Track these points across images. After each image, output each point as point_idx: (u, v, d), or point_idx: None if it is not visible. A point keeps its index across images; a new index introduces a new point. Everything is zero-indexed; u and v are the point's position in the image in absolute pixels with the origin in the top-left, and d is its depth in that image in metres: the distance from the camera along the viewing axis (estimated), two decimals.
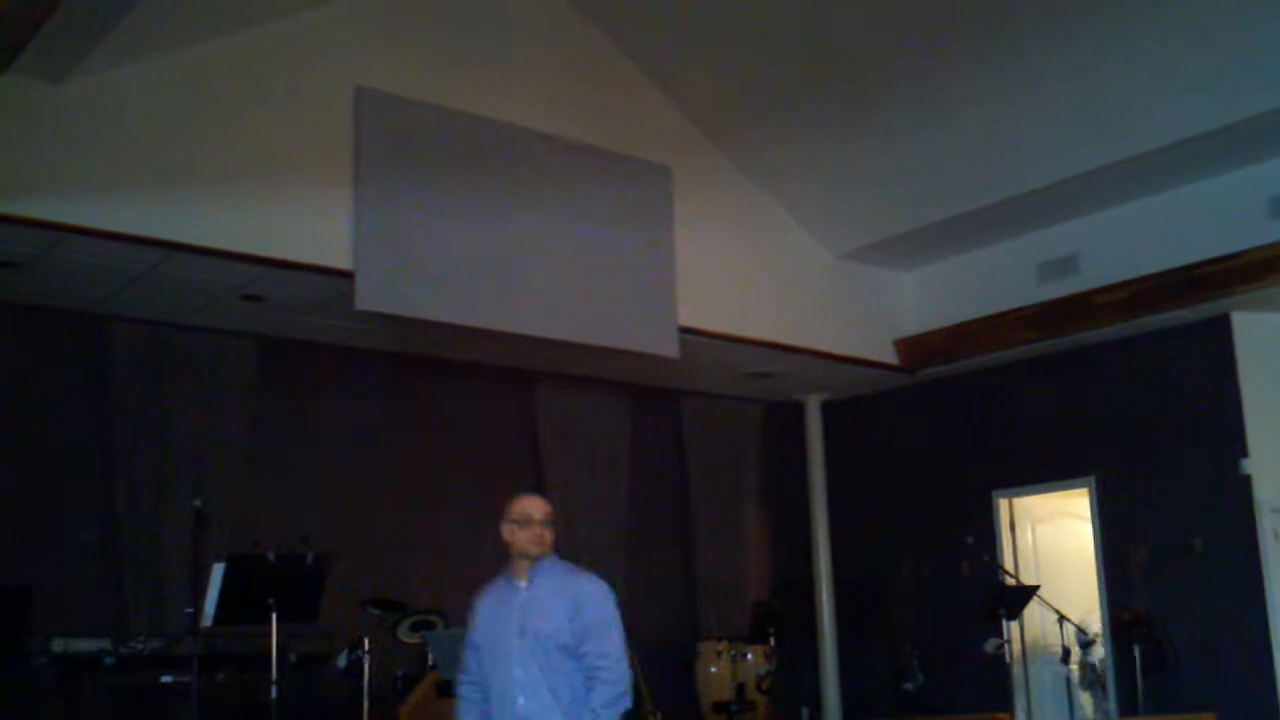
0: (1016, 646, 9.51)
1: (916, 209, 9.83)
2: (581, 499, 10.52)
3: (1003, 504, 10.62)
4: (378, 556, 8.68)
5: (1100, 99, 8.31)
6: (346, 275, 7.74)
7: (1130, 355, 9.74)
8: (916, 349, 10.79)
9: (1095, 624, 9.54)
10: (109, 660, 7.31)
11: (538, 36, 9.03)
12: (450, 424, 9.78)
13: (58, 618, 7.46)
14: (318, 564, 6.77)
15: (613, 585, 11.04)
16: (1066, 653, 9.13)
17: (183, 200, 7.26)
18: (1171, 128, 8.27)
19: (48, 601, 7.39)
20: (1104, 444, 9.87)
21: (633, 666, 10.01)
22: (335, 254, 7.74)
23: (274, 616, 6.59)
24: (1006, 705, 9.51)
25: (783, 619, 10.36)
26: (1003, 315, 10.11)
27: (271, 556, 6.64)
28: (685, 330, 9.33)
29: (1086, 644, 9.18)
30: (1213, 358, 9.23)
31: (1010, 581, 9.59)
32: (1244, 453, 9.00)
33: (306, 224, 7.70)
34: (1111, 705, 9.30)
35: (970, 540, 9.59)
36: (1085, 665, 9.36)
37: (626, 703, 4.53)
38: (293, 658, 7.58)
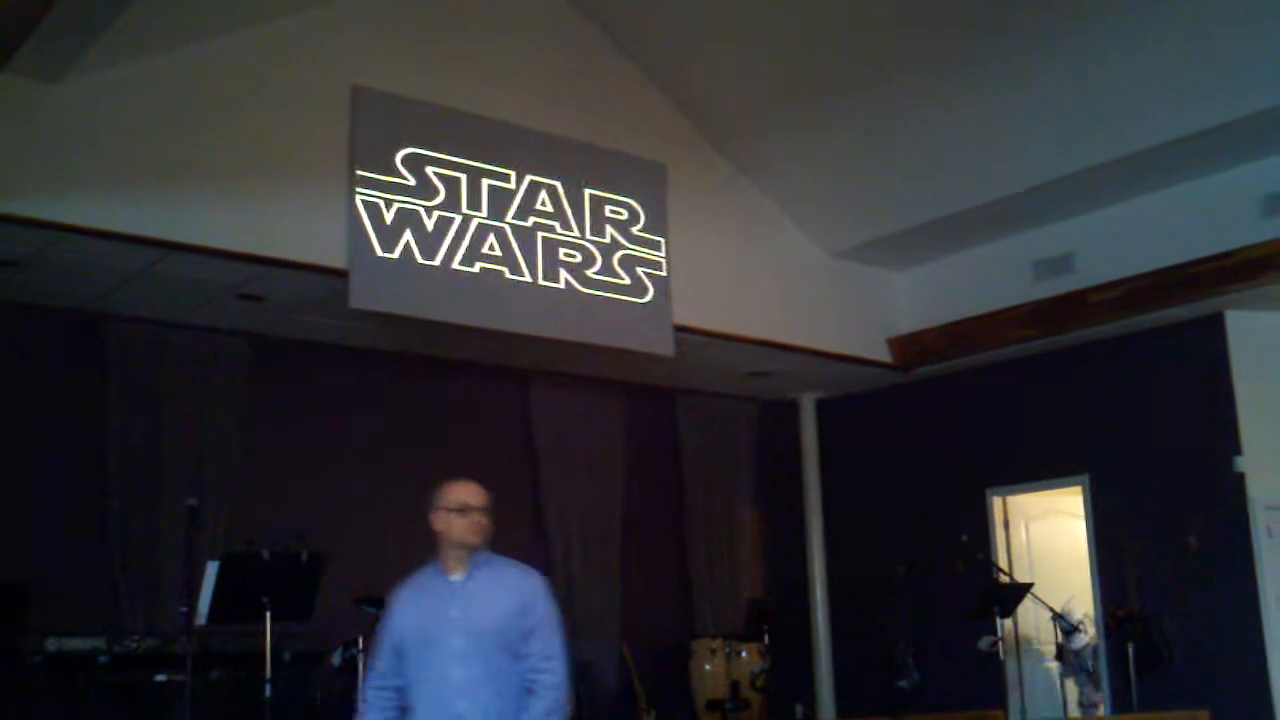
0: (1010, 644, 9.52)
1: (911, 207, 9.85)
2: (576, 497, 10.51)
3: (997, 502, 10.65)
4: (372, 555, 8.66)
5: (1095, 98, 8.34)
6: (341, 274, 7.75)
7: (1124, 353, 9.76)
8: (911, 347, 10.81)
9: (1077, 612, 9.54)
10: (103, 659, 7.29)
11: (534, 35, 9.03)
12: (445, 423, 9.77)
13: (52, 616, 7.44)
14: (312, 562, 6.77)
15: (609, 583, 11.15)
16: (1060, 650, 9.14)
17: (178, 199, 7.26)
18: (1166, 127, 8.30)
19: (42, 600, 7.37)
20: (1098, 442, 9.89)
21: (625, 662, 10.10)
22: (330, 253, 7.75)
23: (268, 615, 6.59)
24: (1000, 702, 9.55)
25: (777, 617, 10.37)
26: (997, 314, 10.13)
27: (266, 555, 6.64)
28: (680, 329, 9.34)
29: (1069, 631, 9.18)
30: (1206, 356, 9.26)
31: (1004, 579, 9.61)
32: (1237, 450, 9.04)
33: (302, 223, 7.71)
34: (1104, 699, 9.30)
35: (964, 538, 9.62)
36: (1068, 653, 9.36)
37: (564, 713, 4.16)
38: (287, 656, 7.57)
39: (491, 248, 8.34)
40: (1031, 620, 10.09)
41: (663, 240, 9.25)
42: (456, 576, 4.21)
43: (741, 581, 11.49)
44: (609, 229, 8.97)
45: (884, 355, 10.86)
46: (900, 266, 10.91)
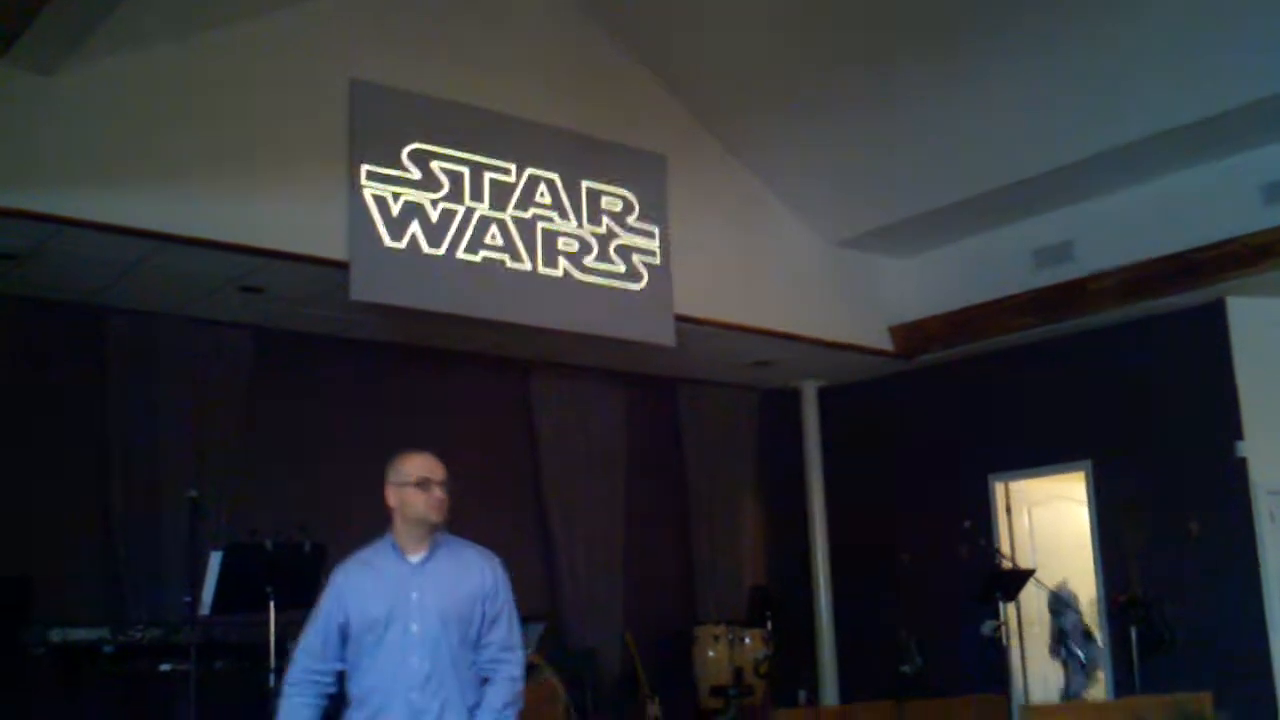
0: (1013, 629, 9.54)
1: (912, 196, 9.84)
2: (579, 487, 10.53)
3: (999, 488, 10.66)
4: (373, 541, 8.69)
5: (1096, 86, 8.32)
6: (342, 266, 7.76)
7: (1125, 340, 9.76)
8: (912, 335, 10.82)
9: (1070, 590, 9.55)
10: (107, 649, 7.31)
11: (532, 26, 9.03)
12: (446, 413, 9.77)
13: (56, 607, 7.47)
14: (315, 552, 6.78)
15: (612, 571, 11.18)
16: (1062, 635, 9.16)
17: (178, 191, 7.26)
18: (1166, 115, 8.28)
19: (46, 591, 7.40)
20: (1100, 428, 9.90)
21: (628, 650, 10.12)
22: (331, 245, 7.76)
23: (271, 605, 6.61)
24: (1003, 687, 9.56)
25: (780, 603, 10.39)
26: (998, 302, 10.14)
27: (269, 545, 6.65)
28: (681, 319, 9.35)
29: (1058, 610, 9.19)
30: (1208, 343, 9.26)
31: (1007, 565, 9.62)
32: (1239, 436, 9.05)
33: (302, 215, 7.71)
34: (1089, 685, 9.29)
35: (967, 524, 9.63)
36: (1056, 630, 9.37)
37: (522, 703, 3.91)
38: (291, 646, 7.58)
39: (493, 238, 8.40)
40: (1034, 606, 10.09)
41: (657, 229, 9.25)
42: (415, 556, 3.90)
43: (744, 568, 11.51)
44: (605, 219, 8.99)
45: (885, 343, 10.87)
46: (901, 255, 10.91)
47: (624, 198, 9.11)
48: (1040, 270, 9.88)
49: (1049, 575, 9.43)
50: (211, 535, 7.89)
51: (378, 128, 7.99)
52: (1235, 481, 9.03)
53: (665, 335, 9.26)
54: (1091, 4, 7.87)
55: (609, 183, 9.04)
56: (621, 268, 9.02)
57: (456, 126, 8.33)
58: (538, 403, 10.52)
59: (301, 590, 6.76)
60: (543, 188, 8.69)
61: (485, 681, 3.87)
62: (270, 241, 7.55)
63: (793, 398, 11.87)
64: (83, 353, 8.41)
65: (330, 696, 3.87)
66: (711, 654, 10.19)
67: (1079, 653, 9.39)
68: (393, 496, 3.96)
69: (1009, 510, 10.63)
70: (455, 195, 8.25)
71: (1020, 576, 9.25)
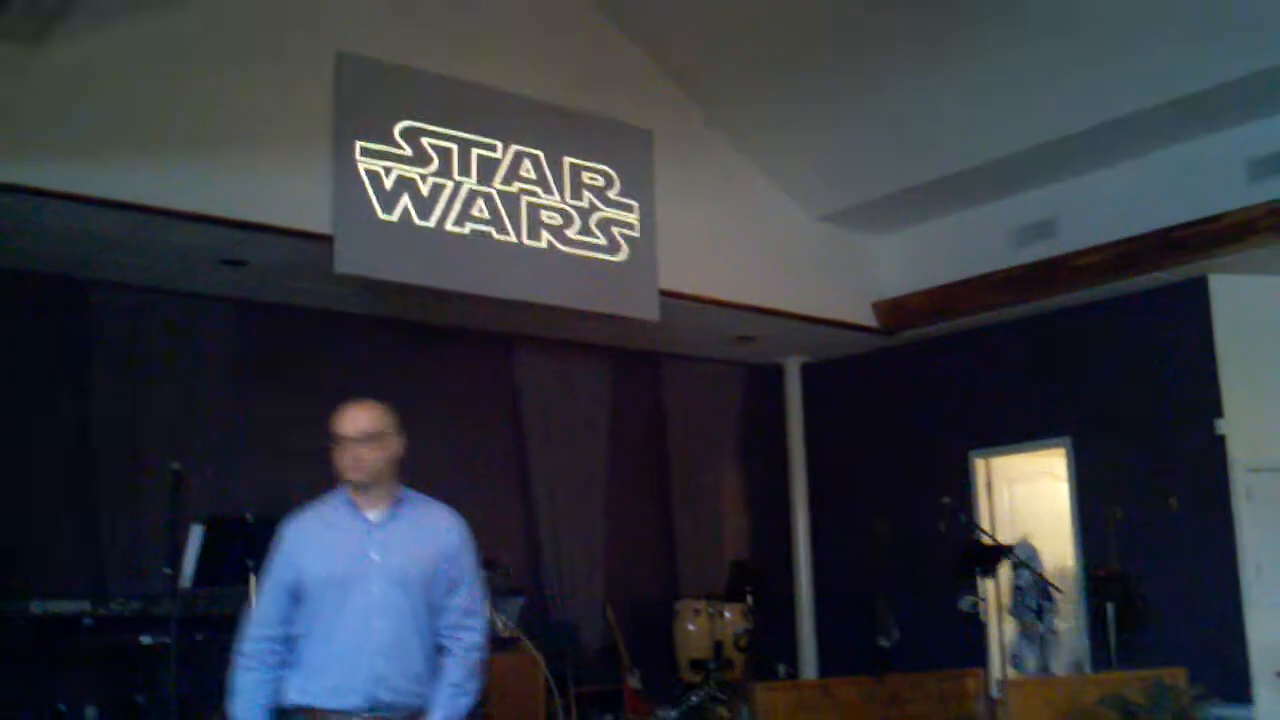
0: (991, 604, 9.60)
1: (896, 172, 9.85)
2: (562, 461, 10.57)
3: (980, 464, 10.72)
4: None
5: (1080, 63, 8.32)
6: (325, 239, 7.73)
7: (1107, 317, 9.80)
8: (895, 312, 10.84)
9: (1032, 545, 9.59)
10: (88, 621, 7.32)
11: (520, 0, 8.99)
12: (430, 387, 9.77)
13: (37, 580, 7.47)
14: None
15: (593, 545, 11.24)
16: (1040, 610, 9.21)
17: (162, 164, 7.23)
18: (1150, 91, 8.29)
19: (27, 564, 7.41)
20: (1080, 405, 9.95)
21: (609, 623, 10.17)
22: (315, 218, 7.73)
23: (253, 578, 6.59)
24: (981, 661, 9.63)
25: (761, 578, 10.44)
26: (981, 278, 10.16)
27: (250, 518, 6.65)
28: (666, 294, 9.35)
29: (1019, 564, 9.20)
30: (1190, 320, 9.29)
31: (986, 540, 9.67)
32: (1219, 414, 9.08)
33: (286, 188, 7.68)
34: (1042, 661, 9.31)
35: (947, 500, 9.67)
36: (1014, 590, 9.39)
37: (483, 675, 3.66)
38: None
39: (480, 211, 8.42)
40: (1013, 581, 10.15)
41: (637, 204, 9.24)
42: (374, 514, 3.62)
43: (725, 543, 11.56)
44: (586, 194, 9.01)
45: (868, 319, 10.89)
46: (885, 231, 10.92)
47: (605, 173, 9.12)
48: (1023, 247, 9.90)
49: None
50: (193, 508, 7.88)
51: (366, 102, 7.97)
52: (1214, 459, 9.08)
53: (649, 310, 9.27)
54: None
55: (592, 158, 9.05)
56: (603, 240, 9.05)
57: (444, 102, 8.32)
58: (522, 377, 10.53)
59: None
60: (527, 163, 8.71)
61: (442, 650, 3.59)
62: (256, 215, 7.52)
63: (775, 373, 11.90)
64: (66, 326, 8.38)
65: (285, 664, 3.55)
66: (692, 627, 10.23)
67: (1033, 607, 9.34)
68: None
69: (989, 486, 10.69)
70: (444, 171, 8.28)
71: (999, 552, 9.30)
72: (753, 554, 11.51)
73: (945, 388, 10.90)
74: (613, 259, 9.08)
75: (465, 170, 8.38)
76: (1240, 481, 9.02)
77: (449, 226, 8.25)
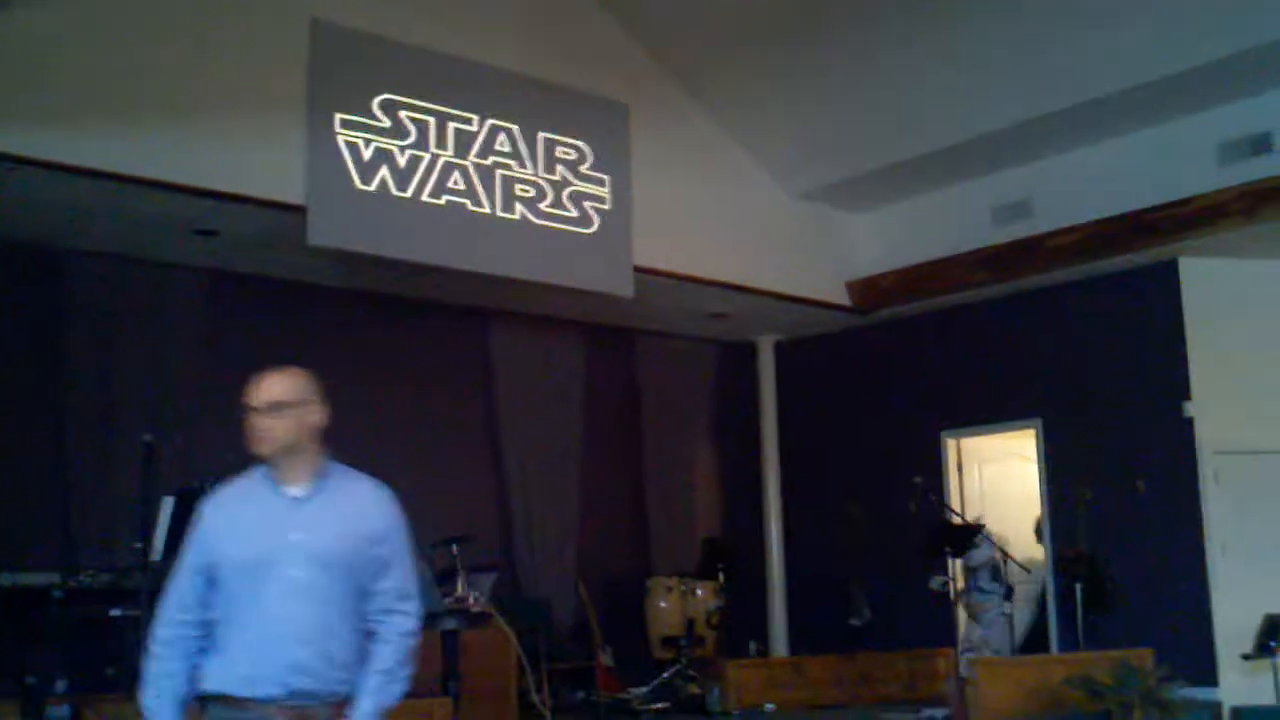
0: (961, 583, 9.67)
1: (872, 150, 9.86)
2: (535, 437, 10.54)
3: (951, 444, 10.76)
4: None
5: (1055, 44, 8.35)
6: (300, 210, 7.68)
7: (1079, 298, 9.85)
8: (869, 291, 10.86)
9: (987, 521, 9.63)
10: (58, 594, 7.27)
11: None
12: (404, 361, 9.75)
13: (6, 551, 7.42)
14: None
15: (566, 521, 11.24)
16: (1009, 590, 9.27)
17: (134, 133, 7.16)
18: (1125, 74, 8.33)
19: None
20: (1051, 386, 10.01)
21: (581, 600, 10.18)
22: (289, 189, 7.67)
23: None
24: (952, 641, 9.70)
25: (732, 556, 10.48)
26: (955, 258, 10.19)
27: None
28: (640, 270, 9.33)
29: (972, 545, 9.22)
30: (1160, 302, 9.36)
31: (956, 520, 9.73)
32: (1187, 396, 9.16)
33: (260, 158, 7.63)
34: (991, 643, 9.34)
35: (918, 479, 9.72)
36: (966, 570, 9.41)
37: (413, 664, 3.35)
38: None
39: (456, 183, 8.41)
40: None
41: (608, 177, 9.21)
42: (296, 490, 3.33)
43: (698, 521, 11.59)
44: (559, 167, 9.00)
45: (842, 298, 10.91)
46: (860, 210, 10.93)
47: (578, 147, 9.10)
48: (998, 227, 9.93)
49: (998, 532, 9.55)
50: (164, 480, 7.84)
51: (342, 72, 7.93)
52: (1182, 441, 9.16)
53: (624, 286, 9.26)
54: None
55: (567, 133, 9.03)
56: (574, 214, 9.04)
57: (422, 74, 8.29)
58: (496, 351, 10.50)
59: None
60: (503, 137, 8.69)
61: (372, 636, 3.31)
62: (229, 185, 7.46)
63: (749, 351, 11.91)
64: (39, 295, 8.30)
65: (203, 650, 3.28)
66: (664, 605, 10.26)
67: (985, 589, 9.35)
68: None
69: (960, 466, 10.75)
70: (421, 143, 8.26)
71: (969, 532, 9.36)
72: (725, 532, 11.55)
73: (918, 367, 10.94)
74: (584, 232, 9.07)
75: (442, 143, 8.35)
76: (1208, 464, 9.11)
77: (424, 199, 8.22)
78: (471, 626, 6.98)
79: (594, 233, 9.10)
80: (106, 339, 8.47)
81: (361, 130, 7.96)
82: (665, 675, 9.60)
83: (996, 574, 9.39)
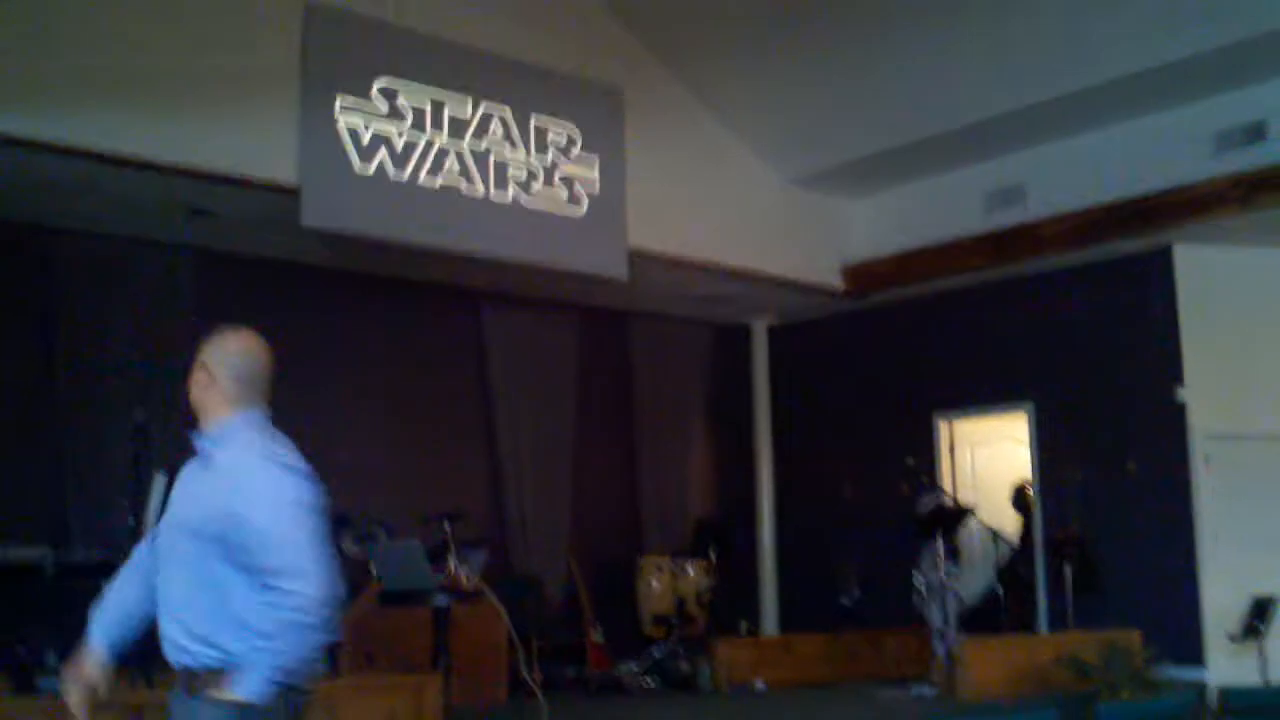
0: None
1: (867, 136, 9.86)
2: (528, 417, 10.57)
3: (943, 427, 10.79)
4: (320, 467, 8.66)
5: (1052, 32, 8.35)
6: (293, 192, 7.67)
7: (1072, 284, 9.87)
8: (863, 275, 10.88)
9: (971, 498, 9.62)
10: (50, 569, 7.29)
11: None
12: (397, 342, 9.76)
13: None
14: None
15: (559, 500, 11.27)
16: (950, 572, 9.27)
17: (127, 113, 7.14)
18: (1121, 62, 8.34)
19: None
20: (1043, 370, 10.04)
21: (574, 579, 10.22)
22: (282, 170, 7.67)
23: None
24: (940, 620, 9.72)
25: (724, 535, 10.51)
26: (950, 244, 10.21)
27: None
28: (635, 253, 9.34)
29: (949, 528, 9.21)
30: (1153, 289, 9.39)
31: (948, 502, 9.76)
32: (1180, 381, 9.18)
33: (253, 139, 7.62)
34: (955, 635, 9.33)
35: (910, 461, 9.75)
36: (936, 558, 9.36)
37: (309, 651, 2.98)
38: None
39: (450, 166, 8.42)
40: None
41: (597, 159, 9.20)
42: (200, 455, 3.23)
43: (690, 501, 11.62)
44: (551, 150, 8.99)
45: (837, 282, 10.93)
46: (855, 195, 10.93)
47: (569, 130, 9.08)
48: (992, 213, 9.94)
49: (989, 515, 9.59)
50: (156, 457, 7.84)
51: (337, 55, 7.92)
52: (1174, 426, 9.19)
53: (618, 268, 9.26)
54: None
55: (557, 116, 9.03)
56: (564, 196, 9.04)
57: (416, 58, 8.29)
58: (490, 332, 10.51)
59: None
60: (496, 120, 8.69)
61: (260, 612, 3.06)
62: (222, 166, 7.46)
63: (743, 334, 11.93)
64: (31, 275, 8.29)
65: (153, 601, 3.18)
66: (655, 583, 10.30)
67: (949, 572, 9.31)
68: None
69: (952, 449, 10.78)
70: (418, 126, 8.26)
71: (960, 514, 9.40)
72: (717, 512, 11.58)
73: (911, 351, 10.96)
74: (576, 215, 9.07)
75: (437, 126, 8.36)
76: (1199, 448, 9.14)
77: (420, 182, 8.22)
78: (463, 603, 7.01)
79: (586, 216, 9.10)
80: (98, 317, 8.47)
81: (362, 113, 7.97)
82: (656, 653, 9.63)
83: (956, 556, 9.40)
